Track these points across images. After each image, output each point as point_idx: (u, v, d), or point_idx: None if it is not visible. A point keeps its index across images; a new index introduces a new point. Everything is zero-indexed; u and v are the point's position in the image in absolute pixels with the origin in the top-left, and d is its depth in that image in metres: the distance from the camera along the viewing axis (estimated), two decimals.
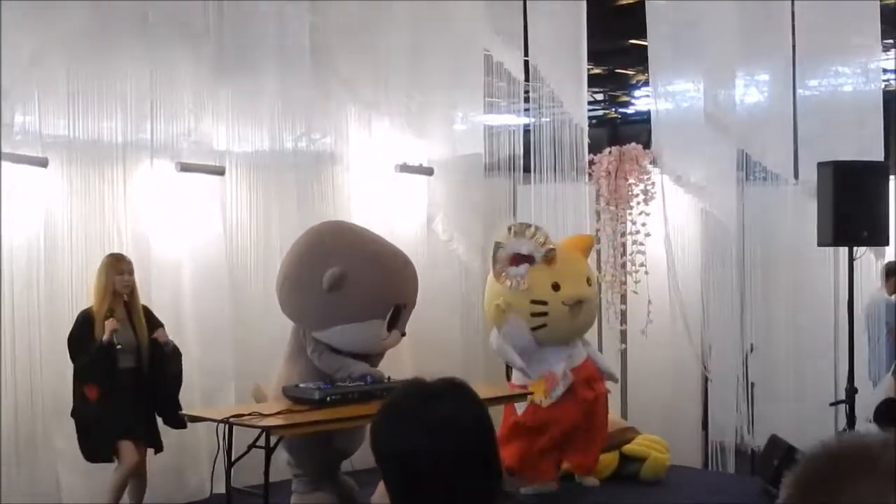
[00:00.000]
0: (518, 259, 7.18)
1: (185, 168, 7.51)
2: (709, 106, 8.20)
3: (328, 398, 6.12)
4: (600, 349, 8.23)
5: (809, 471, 1.26)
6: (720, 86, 8.22)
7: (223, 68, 7.69)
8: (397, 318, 6.63)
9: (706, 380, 8.57)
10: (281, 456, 6.47)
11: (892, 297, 8.09)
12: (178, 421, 6.41)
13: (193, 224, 7.61)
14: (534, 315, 7.23)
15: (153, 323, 6.49)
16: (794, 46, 8.03)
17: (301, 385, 6.33)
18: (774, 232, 8.34)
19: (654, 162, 8.54)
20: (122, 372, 6.29)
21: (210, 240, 7.69)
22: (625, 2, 9.80)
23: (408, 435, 1.92)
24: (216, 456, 5.97)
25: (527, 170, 8.87)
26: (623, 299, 8.54)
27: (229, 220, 7.79)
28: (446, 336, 8.64)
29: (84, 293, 6.58)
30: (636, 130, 12.56)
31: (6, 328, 6.69)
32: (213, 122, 7.72)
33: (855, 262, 7.18)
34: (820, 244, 7.24)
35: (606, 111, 16.23)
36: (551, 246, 7.24)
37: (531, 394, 7.18)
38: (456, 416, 1.94)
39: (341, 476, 6.79)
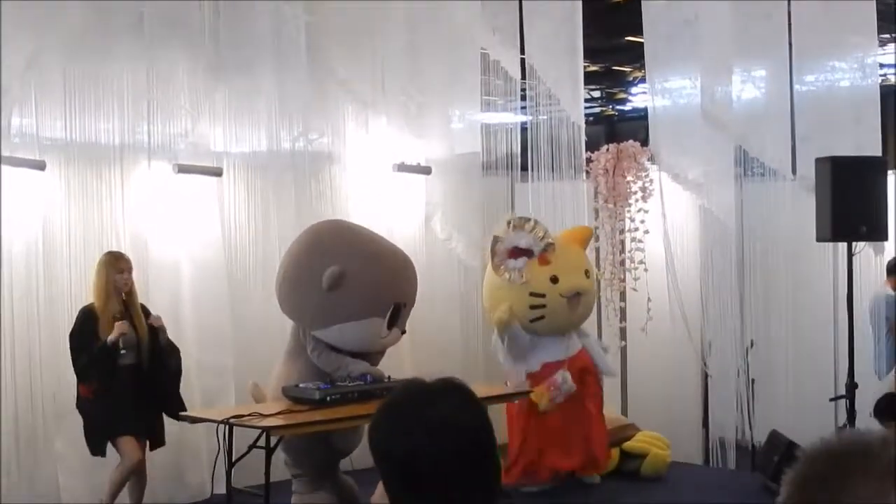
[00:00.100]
0: (517, 252, 7.21)
1: (183, 169, 7.50)
2: (706, 102, 8.20)
3: (328, 398, 6.12)
4: None
5: (809, 469, 1.26)
6: (717, 82, 8.22)
7: (220, 69, 7.69)
8: (397, 316, 6.63)
9: (706, 376, 8.57)
10: (281, 456, 6.47)
11: (894, 293, 8.08)
12: (177, 410, 6.48)
13: (191, 225, 7.61)
14: (532, 307, 7.26)
15: (148, 315, 6.52)
16: (790, 42, 8.03)
17: (301, 385, 6.33)
18: (773, 228, 8.34)
19: (651, 159, 8.54)
20: (123, 369, 6.32)
21: (208, 241, 7.69)
22: None
23: (407, 435, 1.91)
24: (217, 456, 5.97)
25: (524, 168, 8.87)
26: (622, 296, 8.54)
27: (227, 220, 7.79)
28: (445, 334, 8.64)
29: (83, 295, 6.59)
30: (634, 127, 12.56)
31: (6, 331, 6.69)
32: (210, 122, 7.71)
33: (854, 258, 7.17)
34: (819, 240, 7.24)
35: (603, 108, 16.23)
36: (550, 240, 7.27)
37: (529, 393, 7.18)
38: (455, 416, 1.94)
39: (341, 476, 6.79)
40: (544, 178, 8.71)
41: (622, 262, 8.51)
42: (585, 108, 9.72)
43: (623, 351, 8.57)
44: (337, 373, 6.46)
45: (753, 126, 8.24)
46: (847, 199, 6.90)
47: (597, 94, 15.05)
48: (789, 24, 7.99)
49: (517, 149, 8.93)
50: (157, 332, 6.49)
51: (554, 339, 7.40)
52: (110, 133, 7.18)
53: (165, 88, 7.44)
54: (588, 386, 7.51)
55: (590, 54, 9.61)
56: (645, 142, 8.68)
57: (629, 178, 8.48)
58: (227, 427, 5.86)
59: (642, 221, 8.42)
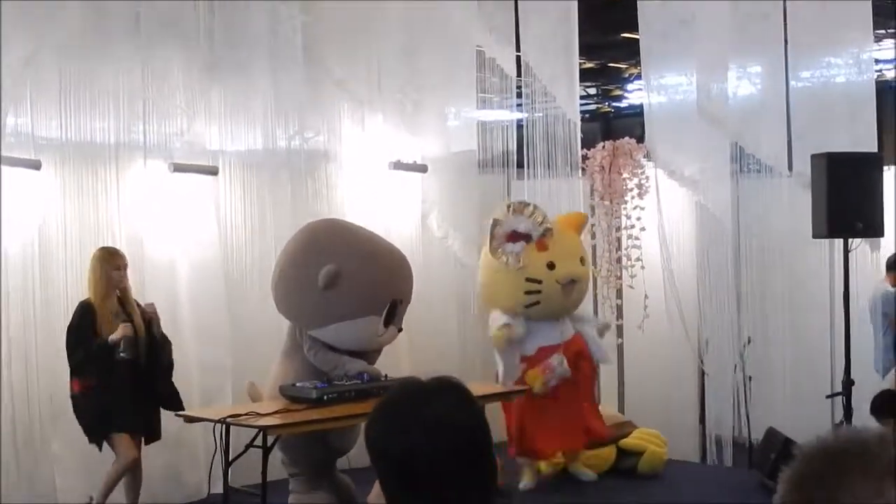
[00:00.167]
0: (515, 236, 7.24)
1: (179, 168, 7.49)
2: (702, 99, 8.20)
3: (325, 397, 6.11)
4: None
5: (806, 467, 1.26)
6: (713, 79, 8.22)
7: (215, 68, 7.68)
8: (393, 314, 6.62)
9: (703, 373, 8.57)
10: (278, 455, 6.46)
11: (893, 289, 8.08)
12: (179, 404, 6.52)
13: (188, 224, 7.60)
14: (528, 293, 7.29)
15: (142, 310, 6.54)
16: (786, 38, 8.03)
17: (298, 384, 6.32)
18: (769, 224, 8.34)
19: (647, 156, 8.54)
20: (120, 364, 6.32)
21: (204, 240, 7.68)
22: None
23: (403, 434, 1.91)
24: (214, 456, 5.97)
25: (520, 165, 8.87)
26: (619, 294, 8.53)
27: (223, 219, 7.79)
28: (442, 332, 8.64)
29: (79, 296, 6.57)
30: (630, 124, 12.56)
31: (2, 332, 6.68)
32: (206, 121, 7.71)
33: (850, 254, 7.18)
34: (815, 236, 7.25)
35: (599, 105, 16.23)
36: (549, 225, 7.30)
37: (524, 391, 7.19)
38: (451, 414, 1.94)
39: (338, 475, 6.78)
40: (540, 176, 8.72)
41: (618, 260, 8.51)
42: (581, 105, 9.72)
43: (620, 348, 8.57)
44: (334, 372, 6.46)
45: (749, 122, 8.24)
46: (843, 196, 6.90)
47: (593, 90, 15.05)
48: (785, 21, 7.99)
49: (513, 146, 8.93)
50: (151, 325, 6.49)
51: (549, 324, 7.44)
52: (106, 132, 7.18)
53: (161, 87, 7.43)
54: (582, 370, 7.53)
55: (585, 51, 9.61)
56: (641, 139, 8.67)
57: (625, 175, 8.48)
58: (224, 426, 5.85)
59: (638, 219, 8.41)
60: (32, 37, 6.81)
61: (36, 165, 6.82)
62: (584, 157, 8.64)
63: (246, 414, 5.94)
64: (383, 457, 1.95)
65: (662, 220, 8.43)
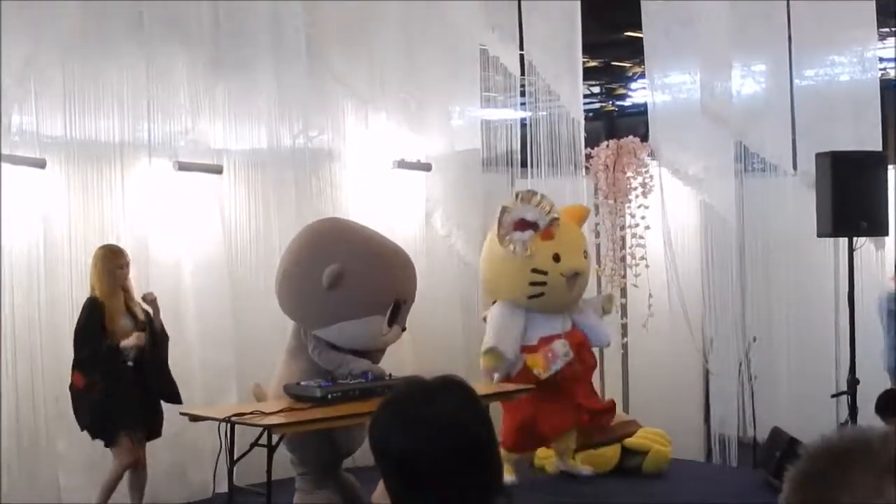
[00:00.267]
0: (523, 225, 7.23)
1: (183, 167, 7.50)
2: (706, 97, 8.20)
3: (329, 395, 6.11)
4: None
5: (810, 466, 1.26)
6: (717, 77, 8.22)
7: (219, 66, 7.69)
8: (397, 313, 6.62)
9: (707, 373, 8.56)
10: (284, 454, 6.47)
11: None
12: (178, 397, 6.57)
13: (192, 223, 7.61)
14: (532, 284, 7.28)
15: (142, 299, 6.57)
16: (789, 36, 8.02)
17: (302, 383, 6.32)
18: (774, 223, 8.33)
19: (651, 155, 8.54)
20: (125, 367, 6.32)
21: (209, 238, 7.69)
22: None
23: (407, 433, 1.92)
24: (218, 455, 5.97)
25: (524, 164, 8.87)
26: (623, 293, 8.53)
27: (228, 218, 7.79)
28: (446, 331, 8.64)
29: (84, 296, 6.57)
30: (633, 123, 12.53)
31: (7, 331, 6.69)
32: (210, 120, 7.71)
33: (855, 253, 7.16)
34: (819, 235, 7.24)
35: (603, 104, 16.20)
36: (556, 215, 7.29)
37: (529, 389, 7.17)
38: (454, 414, 1.94)
39: (343, 474, 6.79)
40: (544, 175, 8.71)
41: (623, 259, 8.50)
42: (585, 103, 9.71)
43: (624, 347, 8.57)
44: (339, 370, 6.46)
45: (753, 121, 8.24)
46: (847, 194, 6.89)
47: (596, 89, 15.02)
48: (789, 19, 7.98)
49: (517, 145, 8.93)
50: (151, 317, 6.50)
51: (550, 319, 7.41)
52: (110, 131, 7.18)
53: (165, 86, 7.44)
54: (585, 361, 7.53)
55: (589, 50, 9.60)
56: (645, 137, 8.67)
57: (629, 173, 8.47)
58: (228, 425, 5.85)
59: (643, 217, 8.41)
60: (33, 35, 6.82)
61: (41, 164, 6.83)
62: (588, 156, 8.63)
63: (251, 413, 5.94)
64: (387, 455, 1.95)
65: (667, 219, 8.42)
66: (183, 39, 7.53)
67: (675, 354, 8.54)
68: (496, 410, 7.36)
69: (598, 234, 8.55)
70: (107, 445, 6.40)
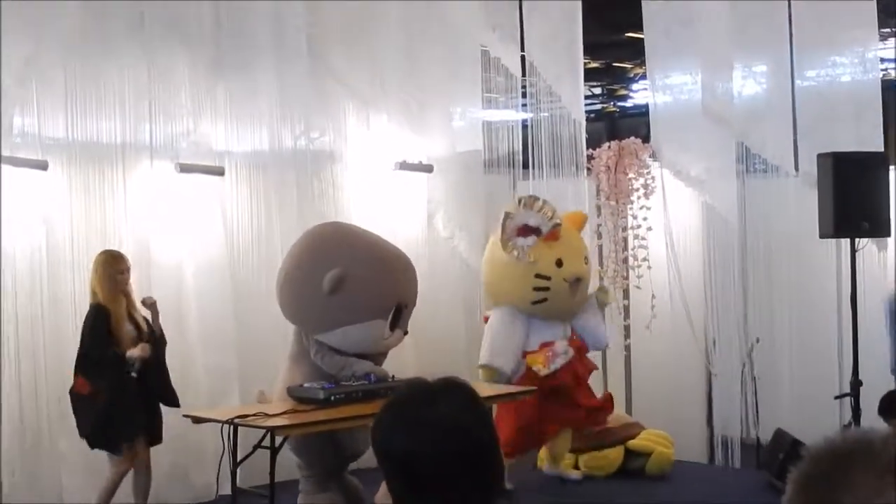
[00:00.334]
0: (526, 230, 7.23)
1: (185, 169, 7.50)
2: (707, 98, 8.19)
3: (332, 397, 6.11)
4: None
5: (812, 467, 1.26)
6: (718, 78, 8.22)
7: (220, 67, 7.69)
8: (398, 317, 6.62)
9: (710, 374, 8.55)
10: (287, 456, 6.46)
11: None
12: (176, 401, 6.57)
13: (194, 225, 7.61)
14: (536, 289, 7.28)
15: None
16: (791, 37, 8.02)
17: (305, 385, 6.33)
18: (776, 224, 8.33)
19: (653, 156, 8.53)
20: (129, 378, 6.31)
21: (211, 240, 7.69)
22: None
23: (410, 435, 1.92)
24: (222, 457, 5.98)
25: (526, 165, 8.87)
26: (626, 294, 8.53)
27: (230, 220, 7.79)
28: (449, 332, 8.63)
29: (86, 297, 6.57)
30: (635, 124, 12.53)
31: (10, 332, 6.69)
32: (212, 122, 7.71)
33: (857, 254, 7.16)
34: (821, 236, 7.23)
35: (605, 105, 16.19)
36: (558, 220, 7.29)
37: (532, 391, 7.16)
38: (456, 416, 1.94)
39: (346, 476, 6.78)
40: (546, 176, 8.71)
41: (625, 260, 8.50)
42: (586, 104, 9.71)
43: (627, 349, 8.56)
44: (341, 373, 6.46)
45: (755, 122, 8.24)
46: (849, 195, 6.89)
47: (598, 90, 15.01)
48: (790, 20, 7.98)
49: (518, 146, 8.92)
50: (150, 322, 6.50)
51: (551, 325, 7.40)
52: (112, 132, 7.19)
53: (167, 87, 7.44)
54: (583, 365, 7.53)
55: (590, 51, 9.60)
56: (646, 138, 8.67)
57: (631, 175, 8.47)
58: (231, 427, 5.86)
59: (645, 219, 8.40)
60: (33, 35, 6.82)
61: (43, 166, 6.83)
62: (590, 157, 8.63)
63: (254, 415, 5.94)
64: (389, 457, 1.95)
65: (669, 220, 8.42)
66: (184, 40, 7.54)
67: (677, 356, 8.53)
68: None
69: (600, 236, 8.54)
70: (105, 450, 6.40)
